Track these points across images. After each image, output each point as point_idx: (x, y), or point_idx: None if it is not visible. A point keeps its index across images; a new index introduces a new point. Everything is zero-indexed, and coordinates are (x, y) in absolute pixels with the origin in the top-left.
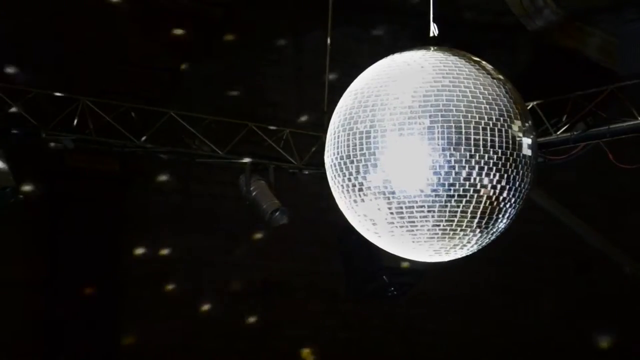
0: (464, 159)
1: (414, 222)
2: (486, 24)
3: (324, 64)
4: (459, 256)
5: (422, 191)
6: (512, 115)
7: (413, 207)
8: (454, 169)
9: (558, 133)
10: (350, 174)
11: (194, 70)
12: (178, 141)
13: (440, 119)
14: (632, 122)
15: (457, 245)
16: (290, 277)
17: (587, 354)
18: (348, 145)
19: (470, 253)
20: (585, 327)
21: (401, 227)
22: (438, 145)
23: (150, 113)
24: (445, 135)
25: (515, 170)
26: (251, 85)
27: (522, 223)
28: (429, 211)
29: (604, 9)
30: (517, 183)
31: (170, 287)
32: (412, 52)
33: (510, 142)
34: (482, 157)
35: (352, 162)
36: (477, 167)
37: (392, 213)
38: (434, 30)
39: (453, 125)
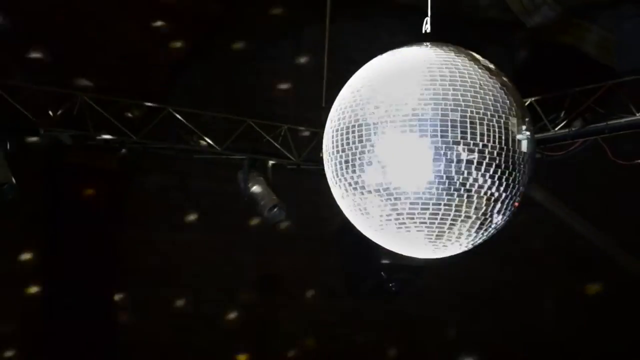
0: (481, 155)
1: (424, 217)
2: (484, 20)
3: (322, 60)
4: (457, 252)
5: (438, 187)
6: (511, 111)
7: (429, 203)
8: (472, 164)
9: (556, 129)
10: (362, 166)
11: (192, 67)
12: (176, 137)
13: (459, 115)
14: (630, 118)
15: (463, 243)
16: (288, 274)
17: (587, 353)
18: (365, 139)
19: (467, 249)
20: (585, 326)
21: (412, 222)
22: (453, 141)
23: (149, 109)
24: (460, 132)
25: (513, 167)
26: (249, 81)
27: (521, 221)
28: (445, 206)
29: (602, 5)
30: (515, 179)
31: (169, 284)
32: (415, 48)
33: (510, 138)
34: (481, 152)
35: (368, 154)
36: (475, 163)
37: (405, 208)
38: (428, 26)
39: (468, 121)
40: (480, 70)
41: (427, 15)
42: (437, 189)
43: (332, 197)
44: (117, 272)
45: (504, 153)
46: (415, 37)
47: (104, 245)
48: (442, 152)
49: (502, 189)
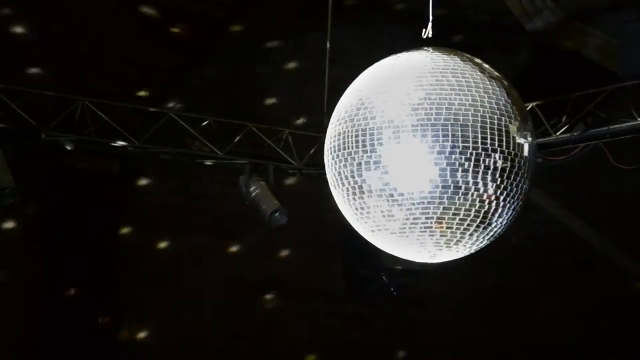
0: (482, 160)
1: (425, 221)
2: (485, 24)
3: (323, 65)
4: (459, 256)
5: (439, 191)
6: (512, 116)
7: (430, 207)
8: (474, 168)
9: (558, 134)
10: (364, 170)
11: (194, 71)
12: (178, 142)
13: (461, 119)
14: (631, 123)
15: (465, 247)
16: (290, 278)
17: (586, 353)
18: (367, 143)
19: (469, 253)
20: (585, 327)
21: (414, 226)
22: (455, 146)
23: (150, 113)
24: (461, 136)
25: (515, 171)
26: (251, 85)
27: (522, 223)
28: (446, 210)
29: (604, 9)
30: (517, 184)
31: (170, 287)
32: (416, 52)
33: (511, 143)
34: (485, 159)
35: (370, 158)
36: (477, 167)
37: (407, 212)
38: (429, 31)
39: (470, 126)
40: (481, 74)
41: (428, 20)
42: (439, 193)
43: (334, 201)
44: (118, 276)
45: (508, 158)
46: (416, 42)
47: (105, 250)
48: (444, 156)
49: (504, 193)
